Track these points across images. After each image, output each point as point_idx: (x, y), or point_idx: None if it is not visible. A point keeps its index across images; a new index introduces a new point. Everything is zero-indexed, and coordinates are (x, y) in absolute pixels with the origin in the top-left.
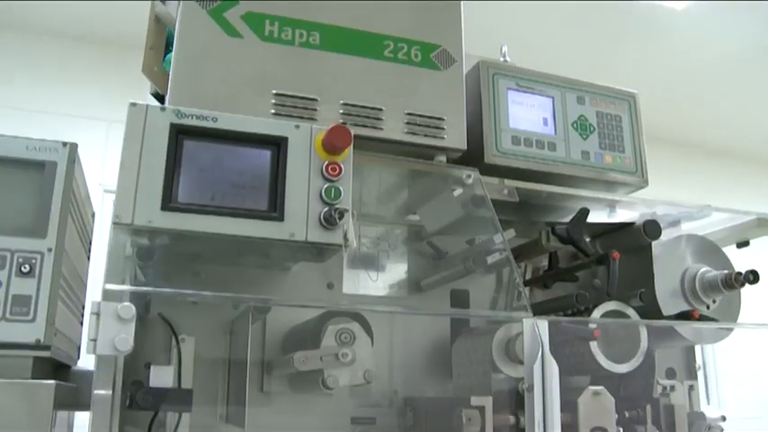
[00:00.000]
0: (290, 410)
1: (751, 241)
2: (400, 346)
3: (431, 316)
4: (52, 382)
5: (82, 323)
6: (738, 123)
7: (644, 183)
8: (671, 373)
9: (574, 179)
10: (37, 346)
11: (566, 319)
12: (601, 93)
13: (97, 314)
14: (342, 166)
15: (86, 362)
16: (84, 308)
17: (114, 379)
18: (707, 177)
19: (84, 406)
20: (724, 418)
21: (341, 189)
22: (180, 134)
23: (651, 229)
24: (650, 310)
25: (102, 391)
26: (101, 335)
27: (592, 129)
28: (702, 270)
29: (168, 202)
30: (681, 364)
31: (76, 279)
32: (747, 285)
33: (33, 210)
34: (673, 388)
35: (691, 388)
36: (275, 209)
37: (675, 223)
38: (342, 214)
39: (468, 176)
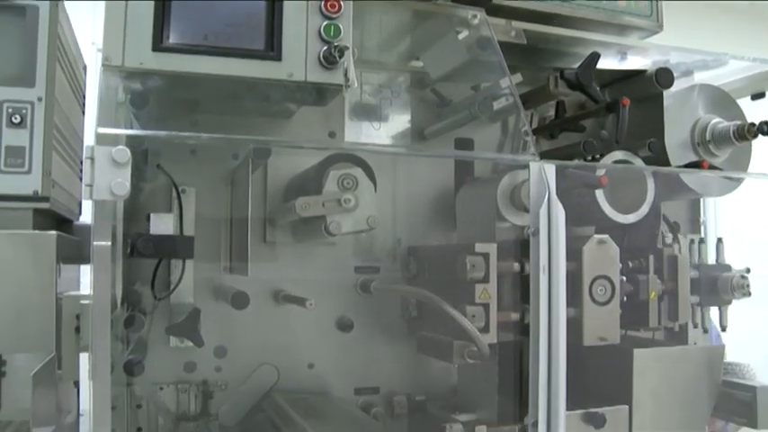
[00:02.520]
0: (293, 260)
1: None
2: (403, 195)
3: (435, 165)
4: (53, 232)
5: (81, 178)
6: None
7: (658, 27)
8: (675, 227)
9: (584, 22)
10: (35, 197)
11: (573, 163)
12: None
13: (91, 159)
14: (341, 2)
15: (89, 218)
16: (82, 163)
17: (114, 228)
18: (724, 28)
19: (88, 260)
20: (749, 270)
21: (341, 26)
22: None
23: (663, 77)
24: (659, 160)
25: (101, 242)
26: (97, 180)
27: None
28: (714, 121)
29: (159, 43)
30: (685, 217)
31: (71, 132)
32: (760, 137)
33: (18, 57)
34: (676, 240)
35: (692, 242)
36: (272, 48)
37: (688, 73)
38: (342, 52)
39: (474, 17)
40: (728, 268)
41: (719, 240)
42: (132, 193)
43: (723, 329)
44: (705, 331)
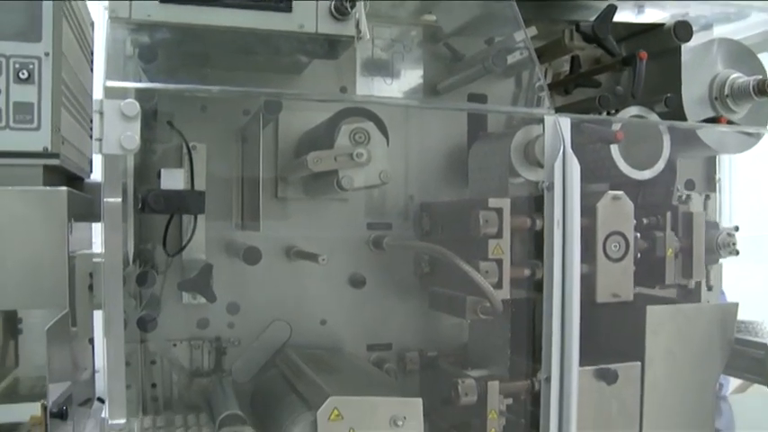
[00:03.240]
0: (305, 216)
1: None
2: (415, 151)
3: (447, 120)
4: (64, 188)
5: (91, 136)
6: None
7: None
8: (690, 185)
9: None
10: (45, 154)
11: (588, 117)
12: None
13: (100, 112)
14: None
15: (100, 176)
16: (92, 120)
17: (125, 185)
18: None
19: (100, 217)
20: (737, 228)
21: None
22: None
23: (682, 30)
24: (675, 116)
25: (112, 199)
26: (106, 133)
27: None
28: (734, 76)
29: None
30: (700, 175)
31: (80, 89)
32: None
33: (24, 12)
34: (690, 197)
35: (707, 198)
36: None
37: (708, 26)
38: (353, 3)
39: None
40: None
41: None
42: (142, 151)
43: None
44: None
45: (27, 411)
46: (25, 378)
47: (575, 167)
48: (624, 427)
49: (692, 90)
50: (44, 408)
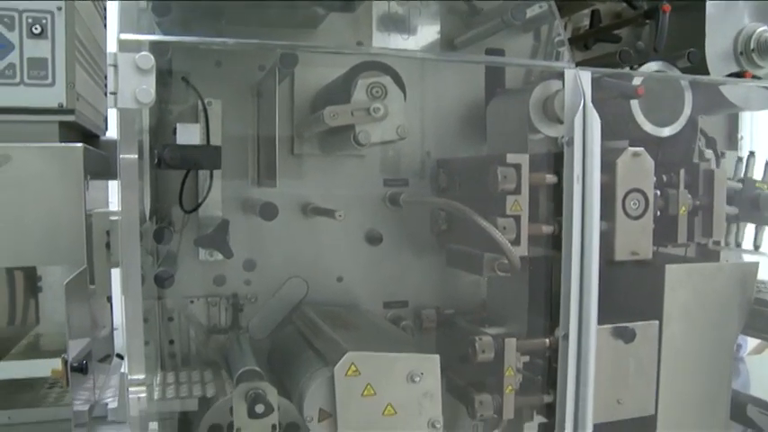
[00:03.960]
0: (321, 173)
1: None
2: (432, 107)
3: (464, 76)
4: (80, 144)
5: (106, 94)
6: None
7: None
8: (711, 143)
9: None
10: (60, 110)
11: (609, 71)
12: None
13: (115, 66)
14: None
15: (116, 134)
16: (106, 77)
17: (140, 142)
18: None
19: (116, 175)
20: None
21: None
22: None
23: None
24: (698, 72)
25: (128, 155)
26: (121, 87)
27: None
28: (761, 29)
29: None
30: (723, 133)
31: (94, 45)
32: None
33: None
34: (712, 155)
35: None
36: None
37: None
38: None
39: None
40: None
41: (751, 154)
42: (158, 111)
43: (756, 248)
44: (738, 246)
45: (48, 366)
46: (46, 335)
47: (595, 122)
48: (641, 385)
49: (717, 44)
50: (65, 362)
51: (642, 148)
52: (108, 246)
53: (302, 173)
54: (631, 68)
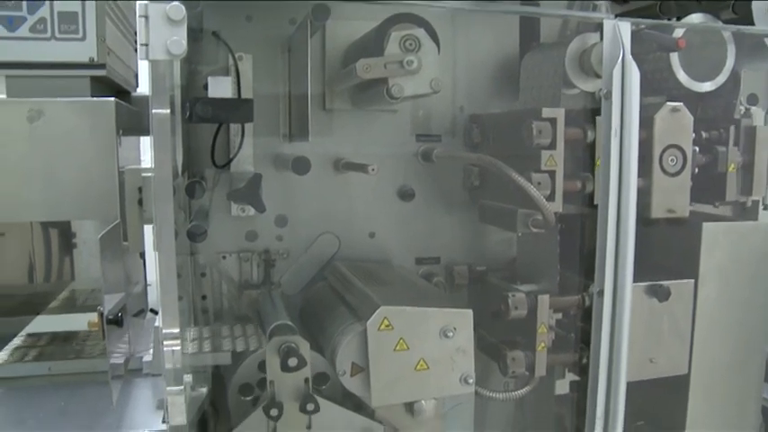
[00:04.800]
0: (353, 128)
1: None
2: (465, 62)
3: (498, 30)
4: (111, 98)
5: (136, 50)
6: None
7: None
8: (753, 99)
9: None
10: (91, 64)
11: (649, 21)
12: None
13: (145, 17)
14: None
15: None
16: (136, 33)
17: (172, 97)
18: None
19: (148, 130)
20: None
21: None
22: None
23: None
24: (742, 24)
25: (160, 110)
26: (152, 39)
27: None
28: None
29: None
30: (765, 90)
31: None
32: None
33: None
34: (754, 111)
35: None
36: None
37: None
38: None
39: None
40: None
41: None
42: (187, 68)
43: None
44: None
45: (84, 320)
46: (81, 291)
47: (634, 74)
48: (674, 345)
49: None
50: (101, 314)
51: (681, 104)
52: (140, 202)
53: (334, 128)
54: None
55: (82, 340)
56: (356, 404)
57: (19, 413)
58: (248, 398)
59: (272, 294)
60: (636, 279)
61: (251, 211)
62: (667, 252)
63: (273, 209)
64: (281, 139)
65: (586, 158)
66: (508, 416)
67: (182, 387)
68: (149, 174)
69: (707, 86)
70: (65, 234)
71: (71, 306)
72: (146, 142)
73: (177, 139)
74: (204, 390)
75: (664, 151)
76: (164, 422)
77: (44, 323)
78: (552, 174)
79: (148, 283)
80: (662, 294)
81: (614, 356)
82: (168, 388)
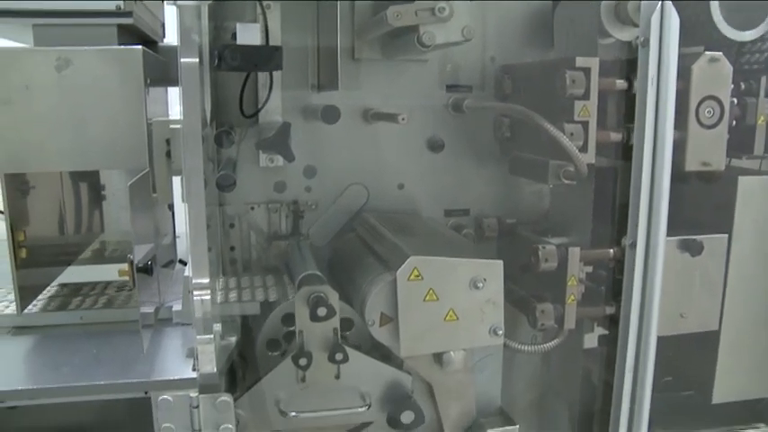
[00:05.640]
0: (383, 78)
1: None
2: (496, 11)
3: None
4: (139, 46)
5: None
6: None
7: None
8: None
9: None
10: (118, 12)
11: None
12: None
13: None
14: None
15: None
16: None
17: (200, 46)
18: None
19: (175, 81)
20: None
21: None
22: None
23: None
24: None
25: (188, 59)
26: None
27: None
28: None
29: None
30: None
31: None
32: None
33: None
34: None
35: None
36: None
37: None
38: None
39: None
40: None
41: None
42: (215, 18)
43: None
44: None
45: (114, 271)
46: (110, 242)
47: (673, 20)
48: (706, 300)
49: None
50: (131, 262)
51: (720, 53)
52: (168, 154)
53: (363, 79)
54: None
55: (113, 290)
56: (383, 355)
57: (54, 360)
58: (275, 353)
59: (300, 245)
60: (668, 234)
61: (279, 161)
62: (701, 206)
63: (302, 159)
64: (309, 90)
65: (621, 109)
66: (534, 370)
67: (211, 336)
68: (177, 125)
69: (748, 35)
70: (94, 186)
71: (101, 257)
72: (173, 95)
73: (205, 89)
74: (233, 339)
75: (701, 103)
76: (194, 370)
77: (75, 273)
78: (585, 124)
79: (177, 235)
80: (695, 249)
81: (645, 310)
82: (198, 337)
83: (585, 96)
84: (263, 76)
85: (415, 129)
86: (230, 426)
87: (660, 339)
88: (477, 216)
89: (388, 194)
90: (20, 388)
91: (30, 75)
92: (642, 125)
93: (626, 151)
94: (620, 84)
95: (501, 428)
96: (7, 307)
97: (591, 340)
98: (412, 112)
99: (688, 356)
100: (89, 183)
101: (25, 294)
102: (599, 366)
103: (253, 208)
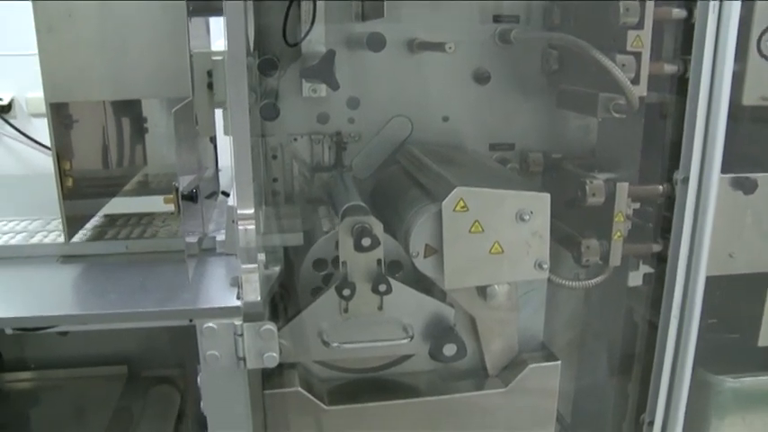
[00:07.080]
0: (428, 7)
1: None
2: None
3: None
4: None
5: None
6: None
7: None
8: None
9: None
10: None
11: None
12: None
13: None
14: None
15: None
16: None
17: None
18: None
19: (217, 10)
20: None
21: None
22: None
23: None
24: None
25: None
26: None
27: None
28: None
29: None
30: None
31: None
32: None
33: None
34: None
35: None
36: None
37: None
38: None
39: None
40: None
41: None
42: None
43: None
44: None
45: (158, 203)
46: (154, 175)
47: None
48: (757, 240)
49: None
50: (176, 189)
51: None
52: (210, 86)
53: (409, 7)
54: None
55: (157, 221)
56: (425, 288)
57: (101, 287)
58: (322, 273)
59: (343, 177)
60: (721, 170)
61: (322, 92)
62: (757, 143)
63: (345, 90)
64: (353, 20)
65: (676, 40)
66: (576, 307)
67: (255, 265)
68: (219, 57)
69: None
70: (136, 119)
71: (145, 189)
72: (214, 27)
73: (249, 15)
74: (277, 269)
75: (763, 33)
76: (238, 298)
77: (120, 205)
78: (638, 55)
79: (219, 168)
80: (748, 187)
81: (695, 248)
82: (243, 266)
83: (639, 26)
84: (306, 5)
85: (461, 60)
86: (274, 354)
87: (707, 279)
88: (522, 150)
89: (433, 127)
90: (70, 313)
91: (73, 2)
92: (700, 54)
93: (681, 84)
94: (678, 12)
95: (543, 363)
96: (58, 236)
97: (635, 278)
98: (458, 44)
99: (735, 298)
100: (131, 116)
101: (72, 224)
102: (644, 306)
103: (296, 139)
